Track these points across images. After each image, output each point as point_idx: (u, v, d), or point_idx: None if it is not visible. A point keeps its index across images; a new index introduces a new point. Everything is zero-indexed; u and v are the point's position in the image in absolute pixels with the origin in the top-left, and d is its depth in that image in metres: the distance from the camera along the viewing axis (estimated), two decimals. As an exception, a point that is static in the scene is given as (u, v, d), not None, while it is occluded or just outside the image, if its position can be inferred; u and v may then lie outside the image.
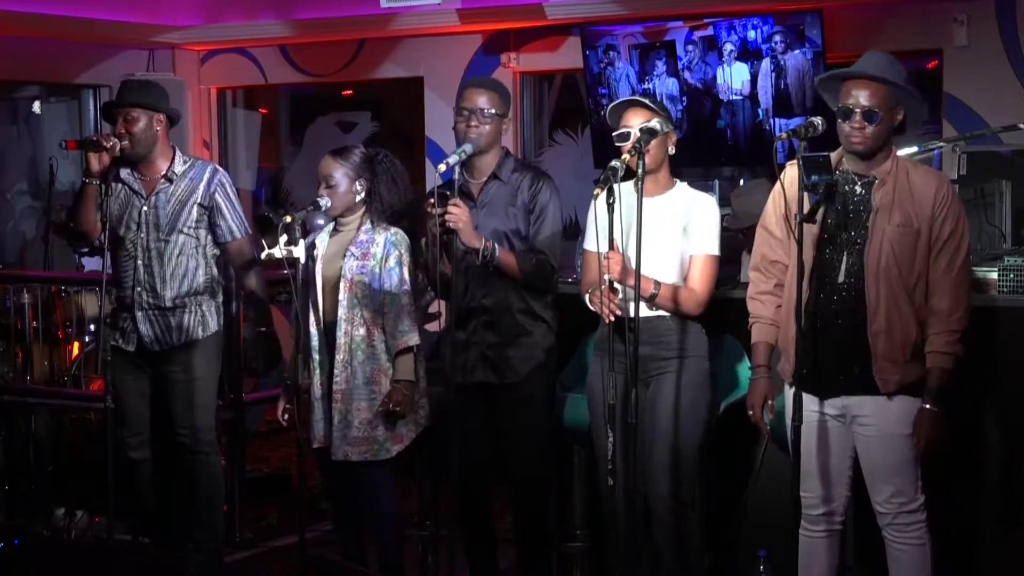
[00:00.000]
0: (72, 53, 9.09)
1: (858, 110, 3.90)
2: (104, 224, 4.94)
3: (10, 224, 10.00)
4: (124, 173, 5.09)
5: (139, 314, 5.07)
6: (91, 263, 8.29)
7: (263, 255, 4.64)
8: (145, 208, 5.06)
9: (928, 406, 3.90)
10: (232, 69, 9.70)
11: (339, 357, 4.66)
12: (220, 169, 5.20)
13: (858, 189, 3.97)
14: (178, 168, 5.09)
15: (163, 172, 5.07)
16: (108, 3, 8.71)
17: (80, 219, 5.07)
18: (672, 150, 4.36)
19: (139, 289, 5.05)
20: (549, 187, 4.62)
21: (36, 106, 10.24)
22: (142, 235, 5.05)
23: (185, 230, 5.06)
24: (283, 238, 4.47)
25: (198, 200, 5.07)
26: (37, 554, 4.16)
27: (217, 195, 5.08)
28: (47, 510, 6.13)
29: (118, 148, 4.95)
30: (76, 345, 6.89)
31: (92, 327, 6.65)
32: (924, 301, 3.94)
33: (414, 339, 4.66)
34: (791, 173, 3.99)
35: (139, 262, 5.05)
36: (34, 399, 6.50)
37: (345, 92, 10.71)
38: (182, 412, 5.11)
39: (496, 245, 4.49)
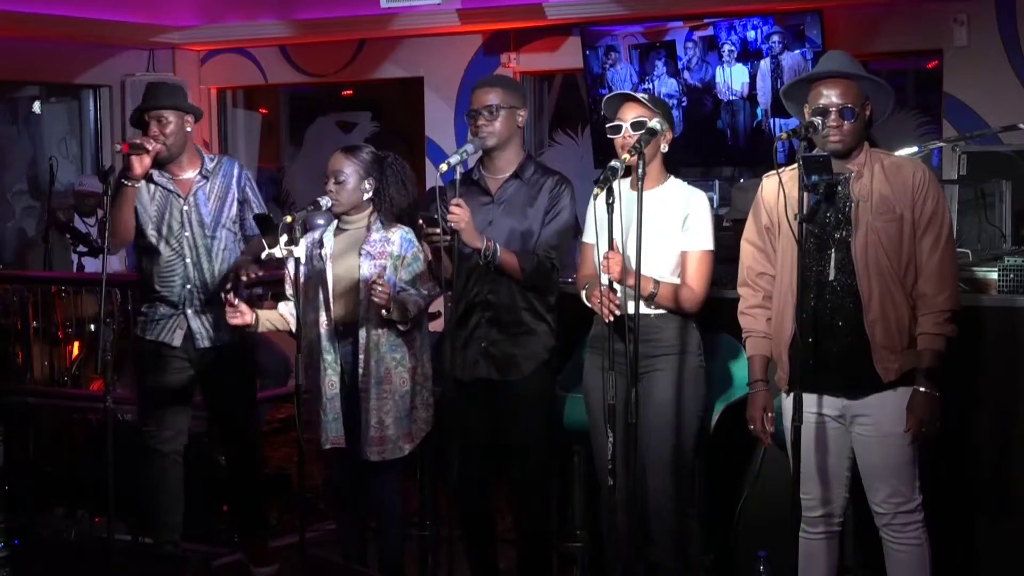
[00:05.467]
0: (72, 53, 9.09)
1: (833, 109, 3.92)
2: (104, 225, 4.96)
3: (10, 224, 10.01)
4: (156, 174, 5.16)
5: (189, 311, 5.15)
6: (91, 263, 8.29)
7: (263, 255, 4.65)
8: (185, 207, 5.14)
9: (922, 388, 3.90)
10: (232, 69, 9.71)
11: (362, 357, 4.66)
12: (242, 164, 5.37)
13: (837, 188, 3.98)
14: (209, 165, 5.22)
15: (193, 171, 5.18)
16: (108, 3, 8.71)
17: (119, 222, 5.07)
18: (665, 148, 4.35)
19: (189, 286, 5.14)
20: (569, 192, 4.61)
21: (36, 106, 10.25)
22: (187, 233, 5.14)
23: (228, 225, 5.19)
24: (283, 238, 4.46)
25: (235, 196, 5.21)
26: (37, 554, 4.17)
27: (247, 189, 5.25)
28: (47, 510, 6.13)
29: (158, 150, 5.03)
30: (76, 345, 6.90)
31: (92, 327, 6.66)
32: (915, 286, 3.95)
33: (416, 307, 4.60)
34: (770, 184, 4.02)
35: (188, 260, 5.14)
36: (34, 399, 6.51)
37: (345, 92, 10.73)
38: (225, 408, 5.27)
39: (497, 245, 4.49)
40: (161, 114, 5.08)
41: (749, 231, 4.19)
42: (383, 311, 4.54)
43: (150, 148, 4.99)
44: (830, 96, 3.93)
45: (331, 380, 4.70)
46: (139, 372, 5.29)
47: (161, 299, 5.18)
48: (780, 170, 3.93)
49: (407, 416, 4.69)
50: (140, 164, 4.97)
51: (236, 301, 4.70)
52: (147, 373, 5.22)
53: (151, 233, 5.14)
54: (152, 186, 5.15)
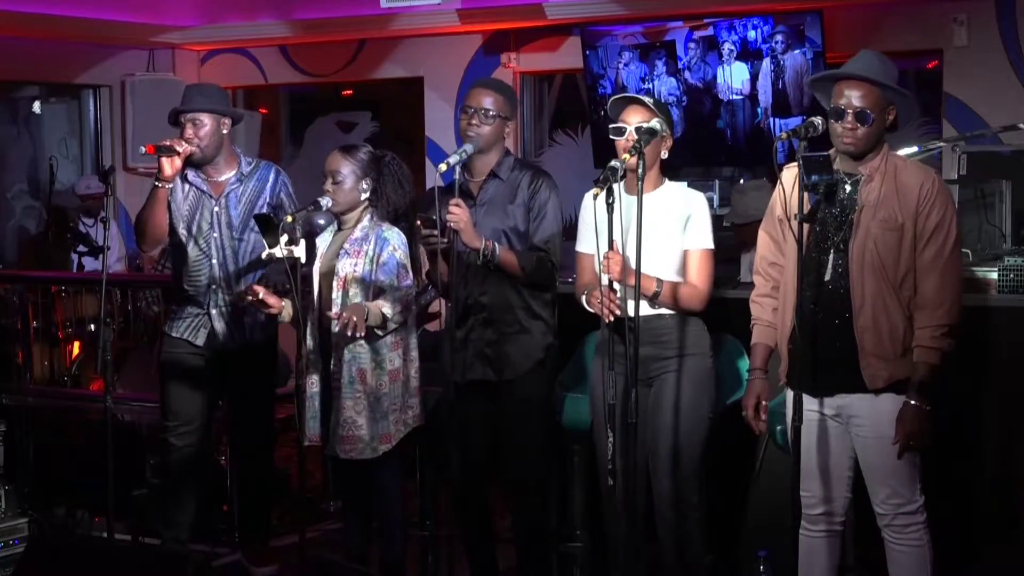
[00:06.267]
0: (72, 53, 9.09)
1: (850, 111, 3.89)
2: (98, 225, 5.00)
3: (10, 224, 10.01)
4: (191, 175, 5.21)
5: (214, 312, 5.19)
6: (91, 263, 8.29)
7: (264, 255, 4.66)
8: (216, 208, 5.18)
9: (912, 401, 3.87)
10: (232, 69, 9.70)
11: (333, 355, 4.66)
12: (282, 170, 5.37)
13: (847, 188, 3.97)
14: (245, 169, 5.25)
15: (229, 173, 5.22)
16: (108, 3, 8.71)
17: (151, 222, 5.16)
18: (665, 154, 4.37)
19: (214, 287, 5.19)
20: (548, 185, 4.63)
21: (36, 106, 10.24)
22: (215, 235, 5.18)
23: (256, 229, 5.15)
24: (284, 238, 4.47)
25: (267, 200, 5.22)
26: (37, 554, 4.16)
27: (282, 194, 5.26)
28: (47, 510, 6.13)
29: (189, 152, 5.08)
30: (76, 345, 6.90)
31: (92, 327, 6.66)
32: (914, 296, 3.92)
33: (390, 311, 4.56)
34: (789, 175, 3.99)
35: (214, 261, 5.18)
36: (34, 399, 6.51)
37: (345, 92, 10.72)
38: (247, 408, 5.32)
39: (496, 244, 4.50)
40: (197, 116, 5.13)
41: (767, 221, 4.19)
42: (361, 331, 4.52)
43: (180, 150, 5.04)
44: (851, 98, 3.89)
45: (311, 379, 4.72)
46: (161, 368, 5.32)
47: (188, 298, 5.24)
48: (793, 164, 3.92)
49: (385, 418, 4.66)
50: (170, 166, 5.03)
51: (262, 292, 4.74)
52: (170, 369, 5.27)
53: (181, 232, 5.19)
54: (187, 186, 5.20)
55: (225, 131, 5.20)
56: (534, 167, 4.77)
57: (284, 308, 4.76)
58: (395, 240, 4.67)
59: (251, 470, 5.48)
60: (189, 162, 5.13)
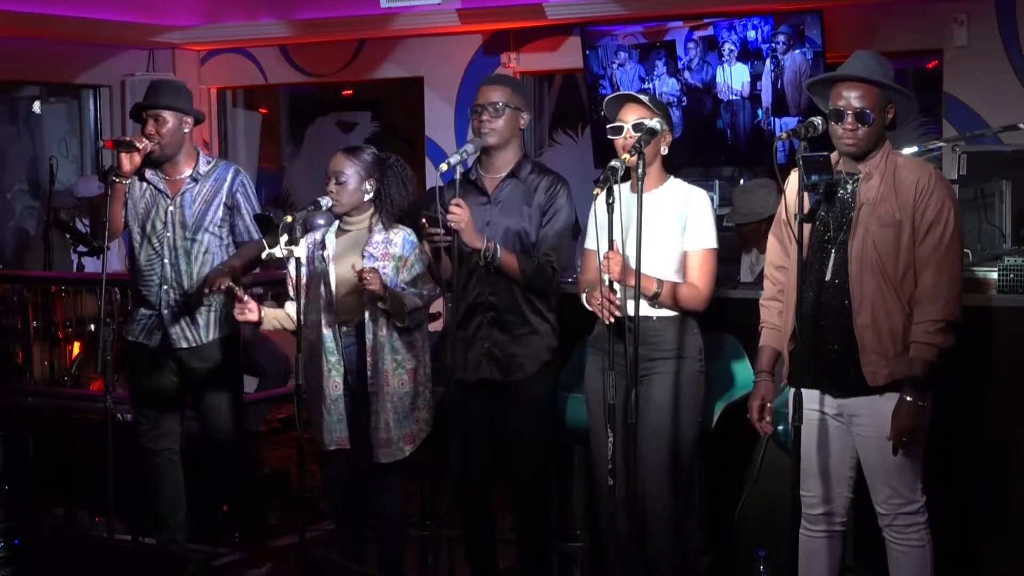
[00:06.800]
0: (72, 53, 9.09)
1: (850, 112, 3.89)
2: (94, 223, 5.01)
3: (10, 224, 10.00)
4: (149, 173, 5.17)
5: (166, 312, 5.15)
6: (91, 263, 8.28)
7: (264, 255, 4.65)
8: (171, 208, 5.14)
9: (907, 397, 3.85)
10: (232, 69, 9.70)
11: (369, 360, 4.65)
12: (242, 171, 5.31)
13: (849, 187, 3.97)
14: (203, 168, 5.19)
15: (188, 172, 5.17)
16: (108, 3, 8.70)
17: (109, 217, 5.10)
18: (665, 150, 4.36)
19: (166, 287, 5.14)
20: (566, 192, 4.62)
21: (36, 106, 10.24)
22: (168, 234, 5.13)
23: (211, 229, 5.15)
24: (284, 238, 4.46)
25: (223, 200, 5.17)
26: (37, 554, 4.17)
27: (238, 195, 5.18)
28: (47, 510, 6.13)
29: (149, 148, 5.04)
30: (76, 345, 6.90)
31: (92, 327, 6.66)
32: (915, 293, 3.91)
33: (413, 303, 4.60)
34: (794, 179, 3.99)
35: (166, 260, 5.14)
36: (34, 399, 6.51)
37: (345, 92, 10.73)
38: (209, 408, 5.23)
39: (498, 246, 4.49)
40: (159, 113, 5.08)
41: (776, 224, 4.19)
42: (379, 302, 4.53)
43: (140, 146, 4.99)
44: (849, 99, 3.89)
45: (335, 381, 4.70)
46: (128, 373, 5.31)
47: (141, 299, 5.20)
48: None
49: (407, 418, 4.69)
50: (129, 162, 4.99)
51: (245, 297, 4.71)
52: (133, 374, 5.25)
53: (136, 231, 5.16)
54: (143, 184, 5.16)
55: (187, 130, 5.15)
56: (554, 172, 4.72)
57: (265, 317, 4.75)
58: (419, 243, 4.67)
59: (231, 470, 5.40)
60: (149, 160, 5.09)
